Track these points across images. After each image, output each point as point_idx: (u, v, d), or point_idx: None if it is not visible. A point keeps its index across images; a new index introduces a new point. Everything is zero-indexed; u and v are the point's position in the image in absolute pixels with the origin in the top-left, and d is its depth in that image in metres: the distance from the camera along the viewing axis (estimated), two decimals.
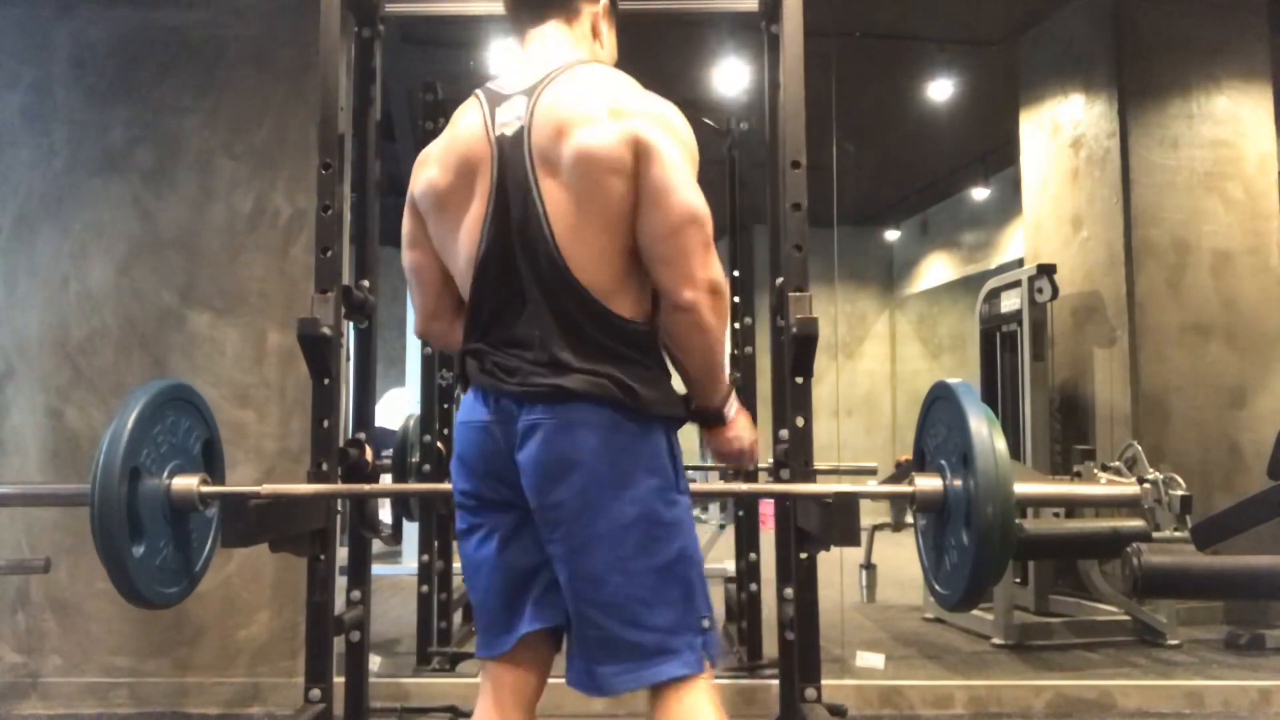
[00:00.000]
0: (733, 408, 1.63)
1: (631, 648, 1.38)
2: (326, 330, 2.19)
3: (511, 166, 1.44)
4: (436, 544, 3.62)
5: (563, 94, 1.43)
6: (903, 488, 1.95)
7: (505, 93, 1.49)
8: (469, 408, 1.51)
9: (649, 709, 1.43)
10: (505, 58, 5.17)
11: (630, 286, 1.45)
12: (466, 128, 1.50)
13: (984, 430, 1.77)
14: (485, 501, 1.49)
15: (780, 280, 2.28)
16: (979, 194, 8.01)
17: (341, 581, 2.43)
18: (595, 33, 1.60)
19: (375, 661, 3.20)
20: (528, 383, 1.41)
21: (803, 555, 2.22)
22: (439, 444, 3.56)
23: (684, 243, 1.39)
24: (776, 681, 2.56)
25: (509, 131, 1.45)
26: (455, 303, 1.62)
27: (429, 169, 1.54)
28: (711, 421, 1.63)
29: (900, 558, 3.10)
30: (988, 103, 6.03)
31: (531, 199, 1.41)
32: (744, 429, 1.67)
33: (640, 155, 1.38)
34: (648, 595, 1.39)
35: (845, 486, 1.95)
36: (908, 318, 9.98)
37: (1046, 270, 4.45)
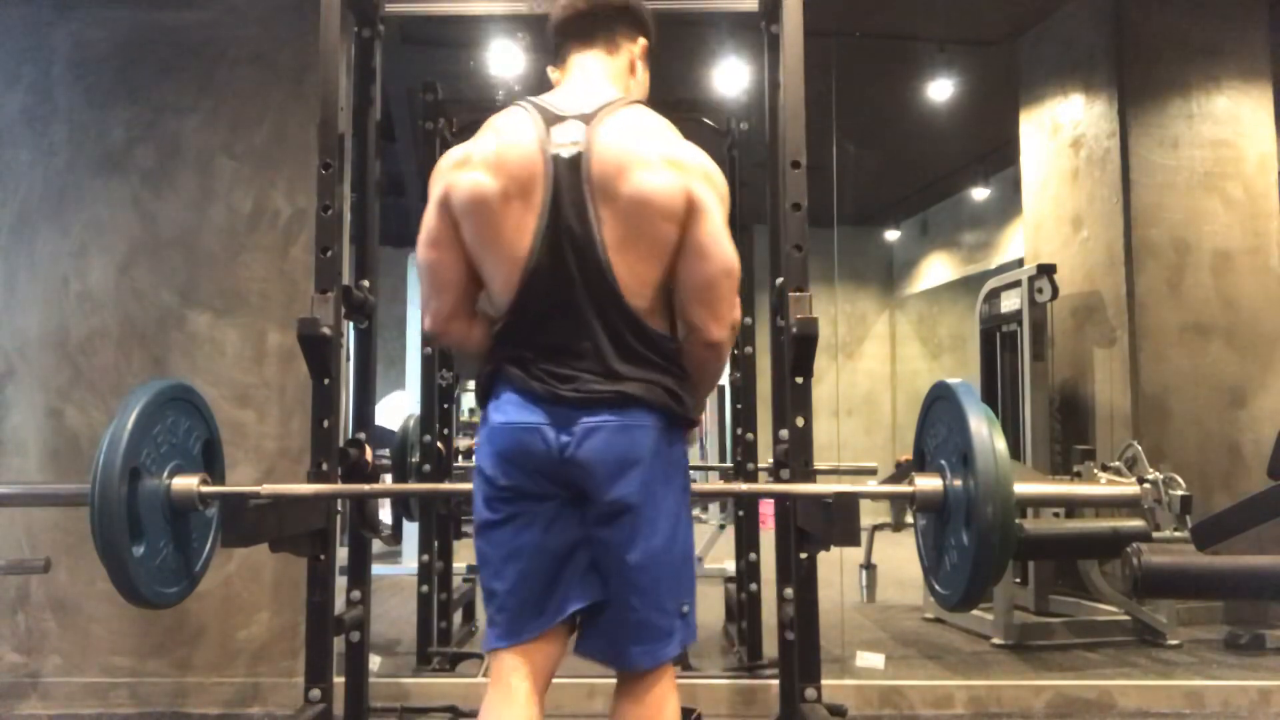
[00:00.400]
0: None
1: (656, 629, 1.55)
2: (326, 330, 2.20)
3: (568, 187, 1.54)
4: (436, 544, 3.62)
5: (621, 132, 1.57)
6: (903, 488, 1.96)
7: (559, 113, 1.59)
8: (515, 410, 1.57)
9: (620, 681, 1.59)
10: (506, 58, 5.18)
11: (661, 306, 1.61)
12: (518, 141, 1.57)
13: (984, 430, 1.77)
14: (526, 493, 1.56)
15: (780, 280, 2.28)
16: (979, 194, 8.01)
17: (341, 581, 2.43)
18: (632, 70, 1.73)
19: (375, 661, 3.20)
20: (585, 389, 1.54)
21: (803, 555, 2.23)
22: (439, 444, 3.56)
23: (721, 291, 1.60)
24: (776, 681, 2.56)
25: (565, 153, 1.55)
26: (473, 304, 1.68)
27: (473, 174, 1.57)
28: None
29: (900, 558, 3.10)
30: (988, 103, 6.03)
31: (588, 222, 1.54)
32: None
33: (692, 210, 1.55)
34: (673, 583, 1.57)
35: (845, 486, 1.95)
36: (908, 318, 9.98)
37: (1046, 270, 4.45)
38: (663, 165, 1.55)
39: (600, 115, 1.58)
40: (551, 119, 1.58)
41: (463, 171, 1.58)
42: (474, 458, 1.67)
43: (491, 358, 1.63)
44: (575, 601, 1.56)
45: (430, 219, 1.63)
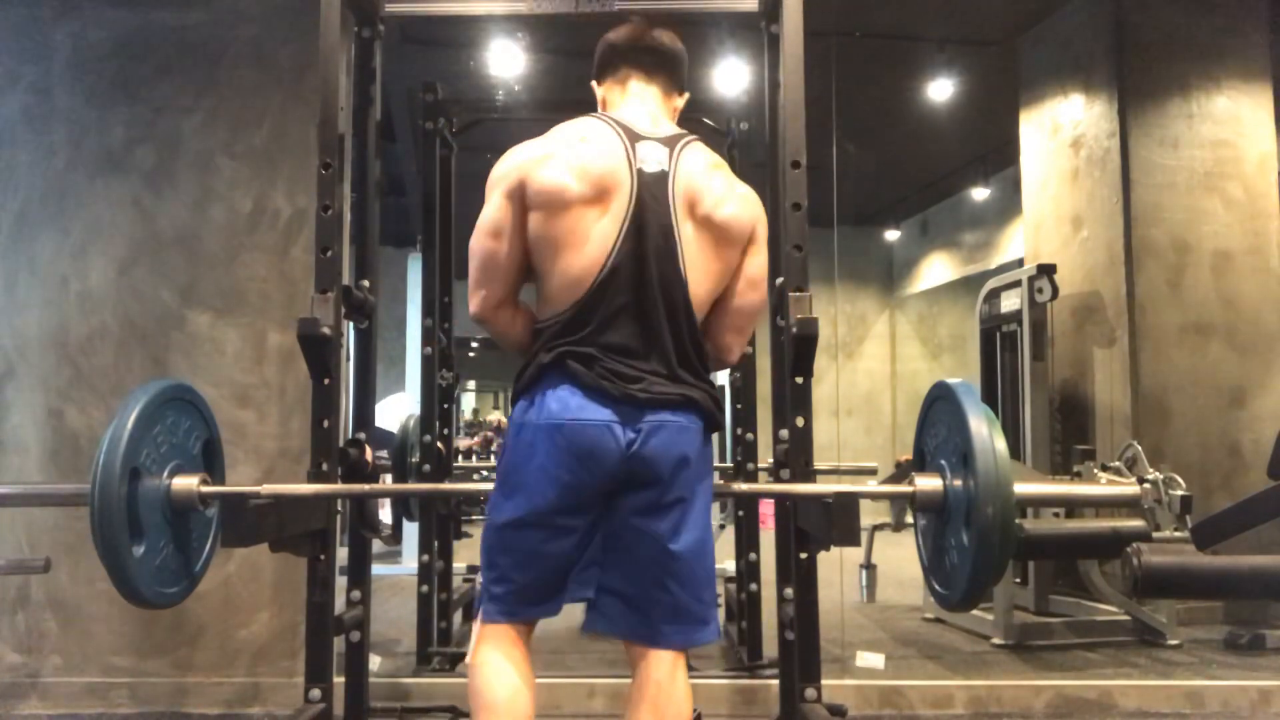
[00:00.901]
0: None
1: (692, 615, 1.68)
2: (326, 330, 2.20)
3: (653, 201, 1.67)
4: (436, 544, 3.61)
5: (700, 162, 1.74)
6: (903, 488, 1.96)
7: (641, 133, 1.73)
8: (579, 406, 1.64)
9: (644, 663, 1.67)
10: (506, 58, 5.18)
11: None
12: (604, 150, 1.69)
13: (984, 430, 1.77)
14: (579, 501, 1.65)
15: (780, 280, 2.28)
16: (979, 194, 8.01)
17: (341, 581, 2.43)
18: (674, 116, 1.87)
19: (375, 661, 3.20)
20: (653, 390, 1.65)
21: (803, 555, 2.23)
22: (439, 444, 3.56)
23: (755, 320, 1.85)
24: (776, 681, 2.56)
25: (648, 169, 1.69)
26: (519, 293, 1.79)
27: (556, 172, 1.66)
28: None
29: (900, 558, 3.10)
30: (988, 103, 6.03)
31: (672, 236, 1.68)
32: None
33: (754, 242, 1.76)
34: (706, 575, 1.71)
35: (845, 486, 1.95)
36: (908, 318, 9.98)
37: (1046, 270, 4.45)
38: (740, 199, 1.74)
39: (679, 142, 1.74)
40: (634, 136, 1.72)
41: (545, 169, 1.66)
42: (518, 442, 1.69)
43: (548, 349, 1.68)
44: (573, 595, 1.69)
45: (496, 209, 1.70)
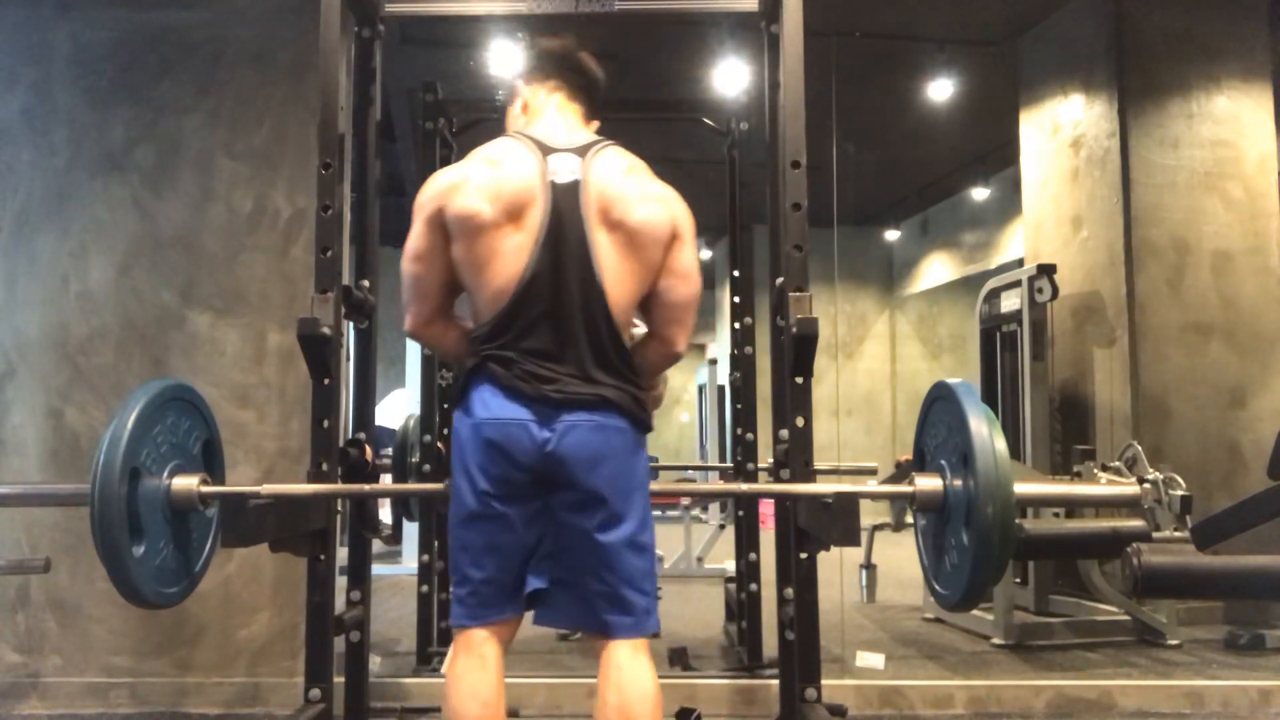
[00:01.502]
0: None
1: (631, 604, 1.75)
2: (326, 330, 2.20)
3: (567, 211, 1.74)
4: (436, 544, 3.61)
5: (612, 167, 1.80)
6: (903, 488, 1.96)
7: (553, 146, 1.80)
8: (499, 406, 1.74)
9: (607, 655, 1.74)
10: (506, 58, 5.17)
11: (631, 322, 1.85)
12: (517, 169, 1.77)
13: (984, 430, 1.77)
14: (514, 491, 1.73)
15: (780, 280, 2.28)
16: (979, 194, 8.01)
17: (341, 581, 2.43)
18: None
19: (375, 661, 3.20)
20: (567, 390, 1.73)
21: (803, 555, 2.23)
22: (439, 444, 3.56)
23: (692, 310, 1.86)
24: (776, 681, 2.56)
25: (561, 180, 1.76)
26: (450, 308, 1.90)
27: (469, 198, 1.75)
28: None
29: (900, 558, 3.10)
30: (988, 103, 6.03)
31: (586, 243, 1.74)
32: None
33: (675, 238, 1.81)
34: (645, 567, 1.78)
35: (845, 486, 1.95)
36: (908, 318, 9.98)
37: (1046, 270, 4.45)
38: (653, 200, 1.79)
39: (591, 151, 1.81)
40: (547, 150, 1.79)
41: (459, 197, 1.75)
42: (455, 445, 1.82)
43: (473, 356, 1.80)
44: (533, 586, 1.76)
45: (419, 235, 1.81)
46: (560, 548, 1.75)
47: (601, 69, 1.98)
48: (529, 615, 1.82)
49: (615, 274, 1.76)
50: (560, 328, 1.75)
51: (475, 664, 1.73)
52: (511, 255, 1.74)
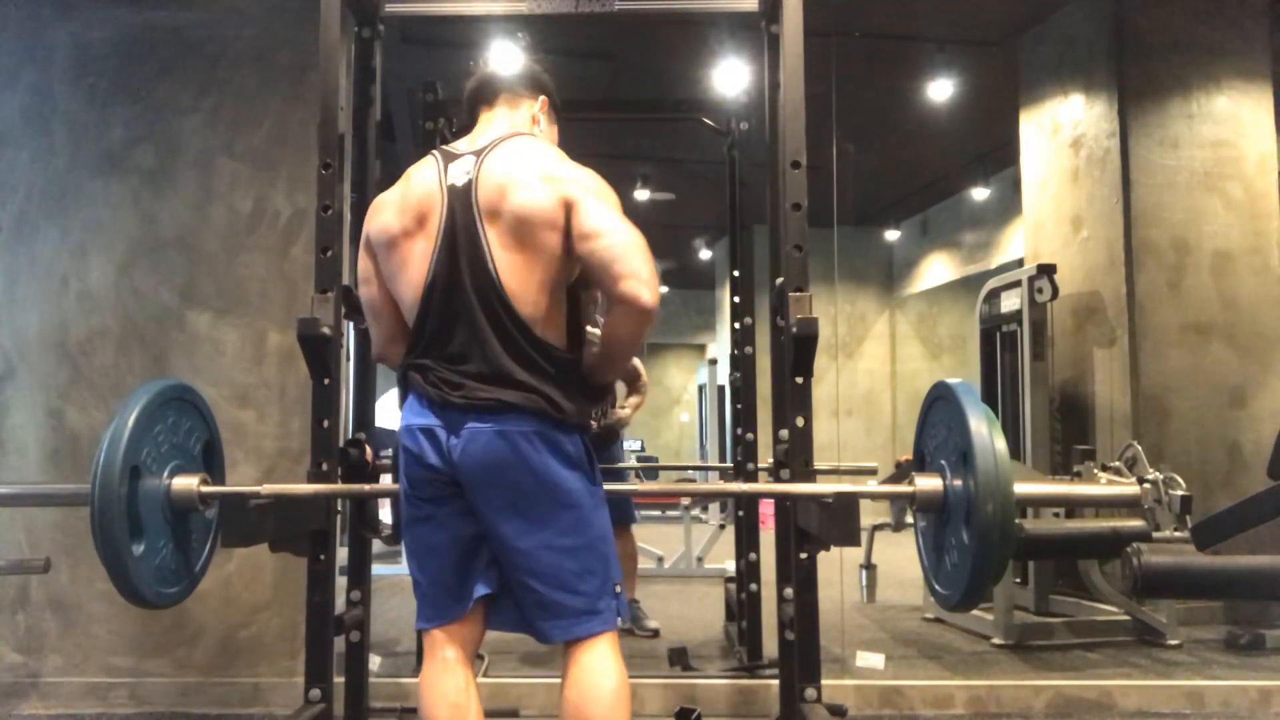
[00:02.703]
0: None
1: (563, 608, 1.73)
2: (326, 330, 2.20)
3: (461, 211, 1.75)
4: None
5: (504, 159, 1.78)
6: (903, 488, 1.96)
7: (458, 153, 1.83)
8: (415, 413, 1.79)
9: (565, 658, 1.75)
10: (506, 58, 5.17)
11: (555, 317, 1.78)
12: (420, 180, 1.82)
13: (984, 430, 1.77)
14: (435, 492, 1.77)
15: (780, 280, 2.28)
16: (979, 194, 8.01)
17: (341, 581, 2.43)
18: (534, 121, 1.95)
19: (375, 661, 3.20)
20: (471, 396, 1.72)
21: (803, 555, 2.22)
22: None
23: (629, 258, 1.67)
24: (776, 681, 2.56)
25: (458, 183, 1.78)
26: (406, 329, 1.89)
27: (384, 215, 1.82)
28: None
29: (900, 558, 3.10)
30: (988, 103, 6.03)
31: (478, 240, 1.73)
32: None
33: (569, 210, 1.71)
34: (575, 567, 1.74)
35: (845, 486, 1.95)
36: (908, 318, 9.98)
37: (1046, 270, 4.45)
38: (538, 182, 1.73)
39: (489, 148, 1.81)
40: (450, 158, 1.83)
41: (377, 215, 1.83)
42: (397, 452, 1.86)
43: (401, 368, 1.85)
44: (481, 588, 1.77)
45: (359, 260, 1.89)
46: (497, 555, 1.77)
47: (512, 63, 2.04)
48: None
49: (511, 266, 1.72)
50: (467, 329, 1.75)
51: (439, 667, 1.77)
52: (417, 263, 1.78)
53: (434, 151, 1.88)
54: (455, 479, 1.74)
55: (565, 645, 1.76)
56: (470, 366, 1.74)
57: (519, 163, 1.77)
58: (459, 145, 1.87)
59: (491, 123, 1.92)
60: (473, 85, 1.98)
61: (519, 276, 1.73)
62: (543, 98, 1.98)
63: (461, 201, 1.76)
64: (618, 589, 1.81)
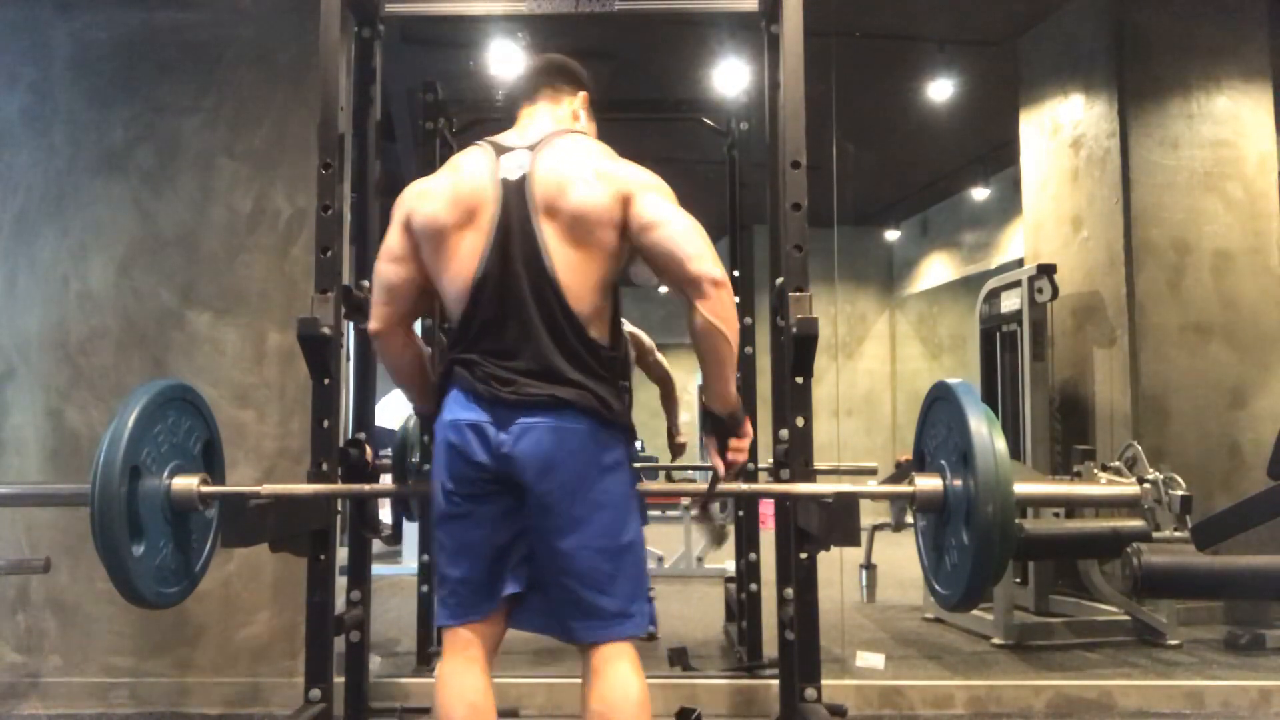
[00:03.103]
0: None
1: (598, 610, 1.72)
2: (326, 330, 2.20)
3: (515, 206, 1.75)
4: None
5: (559, 155, 1.78)
6: (903, 488, 1.96)
7: (509, 146, 1.82)
8: (461, 408, 1.75)
9: (585, 663, 1.75)
10: (503, 58, 5.18)
11: (604, 316, 1.78)
12: (472, 172, 1.80)
13: (984, 430, 1.77)
14: (477, 490, 1.74)
15: (780, 280, 2.28)
16: (979, 194, 8.01)
17: (341, 581, 2.43)
18: (575, 117, 1.96)
19: (375, 661, 3.20)
20: (522, 392, 1.71)
21: (803, 555, 2.23)
22: None
23: (694, 240, 1.71)
24: (776, 681, 2.56)
25: (512, 178, 1.77)
26: (414, 320, 1.93)
27: (433, 204, 1.79)
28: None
29: (900, 558, 3.10)
30: (988, 103, 6.03)
31: (533, 236, 1.73)
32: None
33: (626, 204, 1.73)
34: (612, 569, 1.73)
35: (845, 486, 1.95)
36: (908, 318, 9.98)
37: (1046, 270, 4.45)
38: (595, 179, 1.74)
39: (542, 144, 1.81)
40: (501, 150, 1.82)
41: (424, 202, 1.81)
42: (434, 448, 1.83)
43: (444, 362, 1.83)
44: (511, 587, 1.76)
45: (393, 237, 1.85)
46: (532, 552, 1.75)
47: (561, 59, 2.01)
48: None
49: (567, 263, 1.72)
50: (518, 325, 1.74)
51: (461, 665, 1.75)
52: (467, 257, 1.76)
53: (484, 142, 1.87)
54: (499, 476, 1.72)
55: (586, 649, 1.74)
56: (520, 363, 1.73)
57: (574, 160, 1.78)
58: (507, 138, 1.86)
59: (534, 117, 1.92)
60: (519, 77, 2.00)
61: (575, 274, 1.73)
62: (583, 93, 1.99)
63: (516, 197, 1.75)
64: (651, 594, 1.80)
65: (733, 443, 1.85)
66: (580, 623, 1.73)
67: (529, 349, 1.73)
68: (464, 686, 1.74)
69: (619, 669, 1.71)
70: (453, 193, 1.79)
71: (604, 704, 1.70)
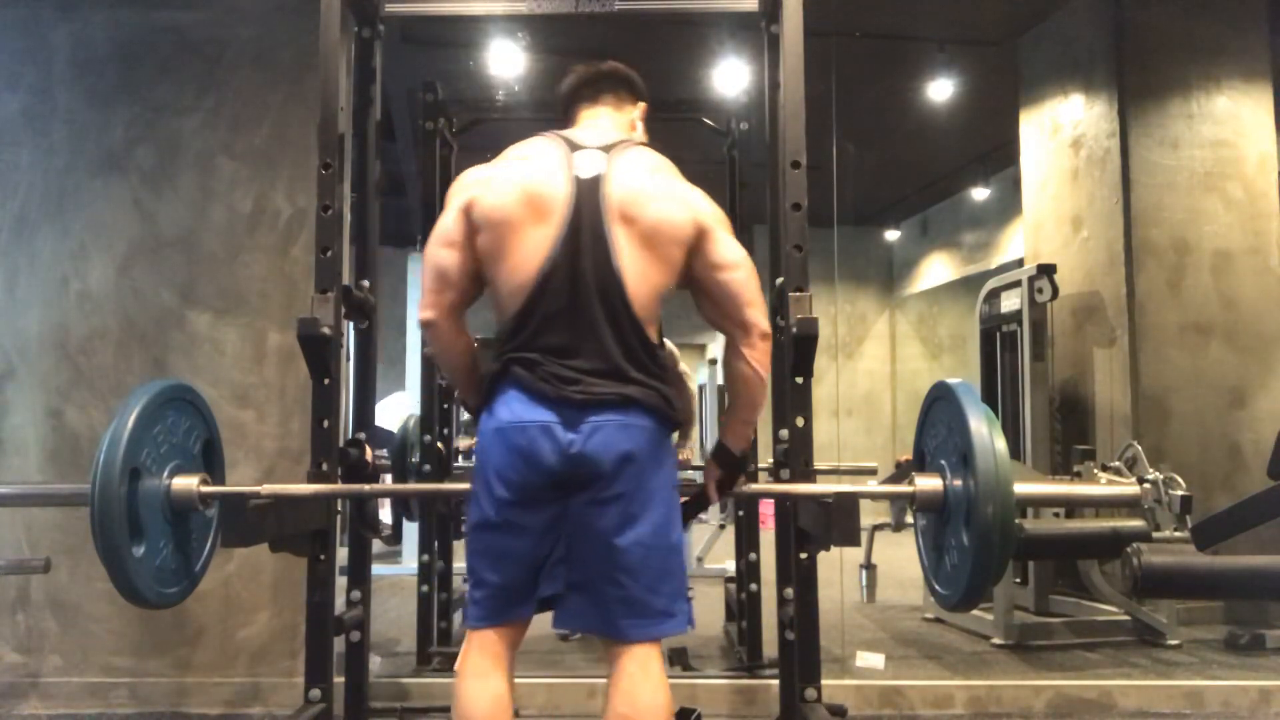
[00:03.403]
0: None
1: (647, 608, 1.71)
2: (326, 330, 2.20)
3: (588, 206, 1.75)
4: (436, 544, 3.61)
5: (635, 165, 1.81)
6: (903, 488, 1.96)
7: (581, 144, 1.82)
8: (524, 408, 1.73)
9: (612, 660, 1.73)
10: (506, 58, 5.18)
11: (655, 323, 1.81)
12: (544, 164, 1.79)
13: (984, 430, 1.78)
14: (534, 496, 1.71)
15: (780, 280, 2.29)
16: (979, 194, 8.01)
17: (341, 581, 2.43)
18: (633, 127, 1.99)
19: (375, 661, 3.20)
20: (590, 391, 1.71)
21: (803, 555, 2.23)
22: (439, 444, 3.56)
23: (755, 288, 1.85)
24: (776, 681, 2.56)
25: (584, 175, 1.77)
26: (466, 308, 1.87)
27: (501, 193, 1.77)
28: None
29: (900, 558, 3.10)
30: (988, 103, 6.03)
31: (604, 237, 1.73)
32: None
33: (700, 233, 1.79)
34: (662, 567, 1.73)
35: (845, 486, 1.96)
36: (908, 318, 9.98)
37: (1046, 270, 4.45)
38: (673, 199, 1.79)
39: (617, 149, 1.82)
40: (575, 147, 1.82)
41: (489, 191, 1.77)
42: (479, 449, 1.79)
43: (498, 358, 1.78)
44: (547, 590, 1.74)
45: (449, 221, 1.81)
46: (575, 552, 1.73)
47: (621, 66, 2.03)
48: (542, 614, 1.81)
49: (634, 268, 1.74)
50: (581, 323, 1.73)
51: (488, 665, 1.74)
52: (533, 249, 1.74)
53: (553, 135, 1.86)
54: (560, 481, 1.70)
55: (618, 646, 1.73)
56: (582, 362, 1.72)
57: (652, 175, 1.81)
58: (579, 135, 1.86)
59: (598, 119, 1.94)
60: (575, 81, 1.99)
61: (640, 279, 1.74)
62: (643, 104, 2.02)
63: (589, 195, 1.75)
64: (690, 594, 1.81)
65: (730, 481, 1.98)
66: (630, 620, 1.71)
67: (591, 347, 1.73)
68: (489, 683, 1.74)
69: (645, 673, 1.71)
70: (522, 183, 1.77)
71: (634, 709, 1.69)
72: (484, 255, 1.78)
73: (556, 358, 1.73)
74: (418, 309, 1.85)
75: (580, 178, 1.76)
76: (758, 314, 1.81)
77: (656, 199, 1.77)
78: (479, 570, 1.76)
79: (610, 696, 1.73)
